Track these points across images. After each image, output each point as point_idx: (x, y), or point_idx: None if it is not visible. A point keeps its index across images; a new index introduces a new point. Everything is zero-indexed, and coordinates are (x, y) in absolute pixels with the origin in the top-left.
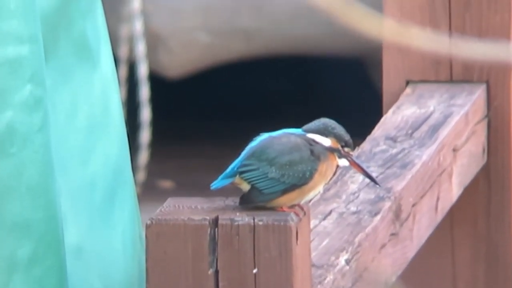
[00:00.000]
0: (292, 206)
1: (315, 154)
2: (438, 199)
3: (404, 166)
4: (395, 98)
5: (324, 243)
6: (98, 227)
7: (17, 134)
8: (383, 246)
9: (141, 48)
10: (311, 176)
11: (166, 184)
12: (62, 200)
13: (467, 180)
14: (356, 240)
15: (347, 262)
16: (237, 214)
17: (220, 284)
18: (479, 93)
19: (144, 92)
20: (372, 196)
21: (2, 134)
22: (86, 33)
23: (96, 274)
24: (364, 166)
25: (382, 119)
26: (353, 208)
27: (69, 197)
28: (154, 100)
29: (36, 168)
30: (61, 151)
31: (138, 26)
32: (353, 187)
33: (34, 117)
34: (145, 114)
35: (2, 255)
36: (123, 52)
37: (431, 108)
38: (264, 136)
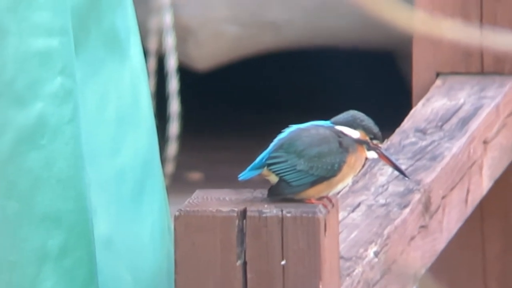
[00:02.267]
0: (320, 198)
1: (344, 146)
2: (468, 191)
3: (434, 158)
4: (425, 90)
5: (353, 235)
6: (127, 218)
7: (47, 126)
8: (412, 238)
9: (170, 40)
10: (339, 169)
11: (195, 176)
12: (92, 192)
13: (498, 173)
14: (385, 232)
15: (376, 254)
16: (265, 206)
17: (248, 276)
18: (510, 85)
19: (173, 84)
20: (401, 188)
21: (32, 126)
22: (116, 26)
23: (125, 265)
24: (393, 158)
25: (412, 111)
26: (382, 201)
27: (99, 189)
28: (183, 92)
29: (66, 159)
30: (90, 143)
31: (167, 18)
32: (382, 179)
33: (64, 109)
34: (174, 106)
35: (32, 246)
36: (153, 44)
37: (461, 100)
38: (292, 128)
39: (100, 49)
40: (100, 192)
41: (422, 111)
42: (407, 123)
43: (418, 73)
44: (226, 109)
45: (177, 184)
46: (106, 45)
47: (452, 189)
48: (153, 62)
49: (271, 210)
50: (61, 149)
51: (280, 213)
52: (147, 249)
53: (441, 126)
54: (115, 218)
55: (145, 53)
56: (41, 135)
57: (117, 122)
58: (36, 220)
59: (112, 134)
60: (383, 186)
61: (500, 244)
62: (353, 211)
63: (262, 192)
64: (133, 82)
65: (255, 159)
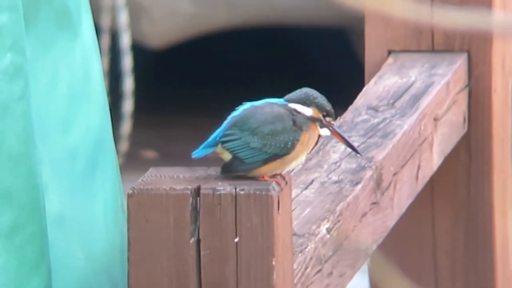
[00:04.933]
0: (273, 176)
1: (297, 124)
2: (419, 168)
3: (386, 135)
4: (377, 68)
5: (306, 212)
6: (80, 196)
7: None
8: (364, 215)
9: (123, 18)
10: (293, 146)
11: (149, 154)
12: (43, 169)
13: (448, 149)
14: (337, 209)
15: (328, 230)
16: (219, 183)
17: (202, 253)
18: (460, 62)
19: (127, 62)
20: (354, 165)
21: None
22: (67, 2)
23: (78, 243)
24: (345, 135)
25: (364, 89)
26: (334, 178)
27: (50, 166)
28: (137, 70)
29: (16, 137)
30: (42, 120)
31: None
32: (334, 156)
33: (15, 85)
34: (128, 84)
35: None
36: (106, 21)
37: (413, 78)
38: (246, 105)
39: (51, 26)
40: (51, 169)
41: (374, 89)
42: (360, 100)
43: (370, 51)
44: (180, 87)
45: (131, 162)
46: (57, 22)
47: (403, 166)
48: (106, 40)
49: (225, 188)
50: (12, 126)
51: (233, 190)
52: (99, 227)
53: (393, 103)
54: (67, 195)
55: (99, 30)
56: None
57: (68, 99)
58: None
59: (63, 111)
60: (335, 163)
61: (450, 219)
62: (306, 188)
63: (216, 170)
64: (85, 59)
65: (209, 136)
